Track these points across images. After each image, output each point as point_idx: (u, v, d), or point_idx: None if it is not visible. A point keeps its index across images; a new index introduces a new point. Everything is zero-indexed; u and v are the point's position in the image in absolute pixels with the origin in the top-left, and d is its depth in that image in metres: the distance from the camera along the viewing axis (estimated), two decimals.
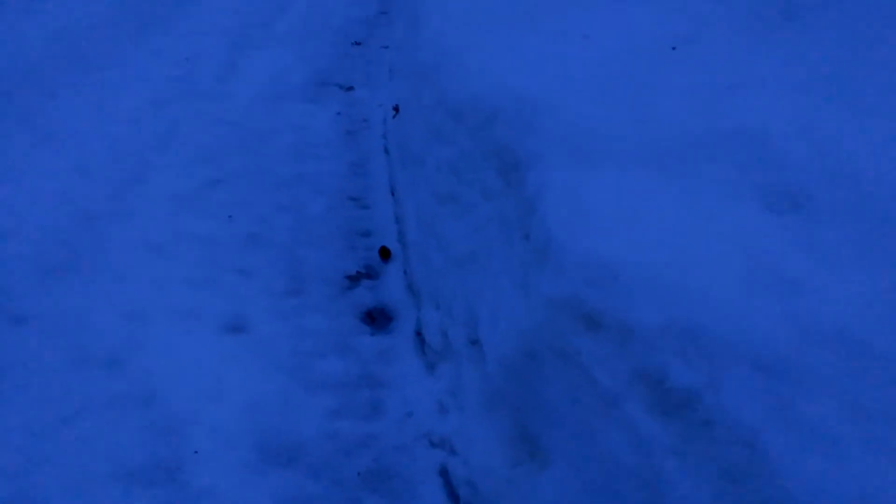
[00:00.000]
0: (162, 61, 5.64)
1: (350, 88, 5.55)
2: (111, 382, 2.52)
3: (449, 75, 3.05)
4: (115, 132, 4.37)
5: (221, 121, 4.70)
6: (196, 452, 2.28)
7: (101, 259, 3.18)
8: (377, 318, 3.02)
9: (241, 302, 3.01)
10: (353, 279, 3.25)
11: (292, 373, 2.66)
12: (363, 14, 7.56)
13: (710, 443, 1.43)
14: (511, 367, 2.04)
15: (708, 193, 1.80)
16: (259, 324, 2.90)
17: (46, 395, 2.44)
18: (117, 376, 2.55)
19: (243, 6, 7.34)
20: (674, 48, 2.49)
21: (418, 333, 2.87)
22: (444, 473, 2.27)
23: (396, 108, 3.77)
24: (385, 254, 3.41)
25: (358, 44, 6.49)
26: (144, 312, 2.88)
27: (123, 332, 2.77)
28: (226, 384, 2.57)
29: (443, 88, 3.06)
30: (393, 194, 3.89)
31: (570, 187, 2.02)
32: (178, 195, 3.78)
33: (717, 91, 2.12)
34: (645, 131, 2.07)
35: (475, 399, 2.28)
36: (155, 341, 2.74)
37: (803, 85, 2.00)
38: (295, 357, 2.74)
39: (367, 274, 3.30)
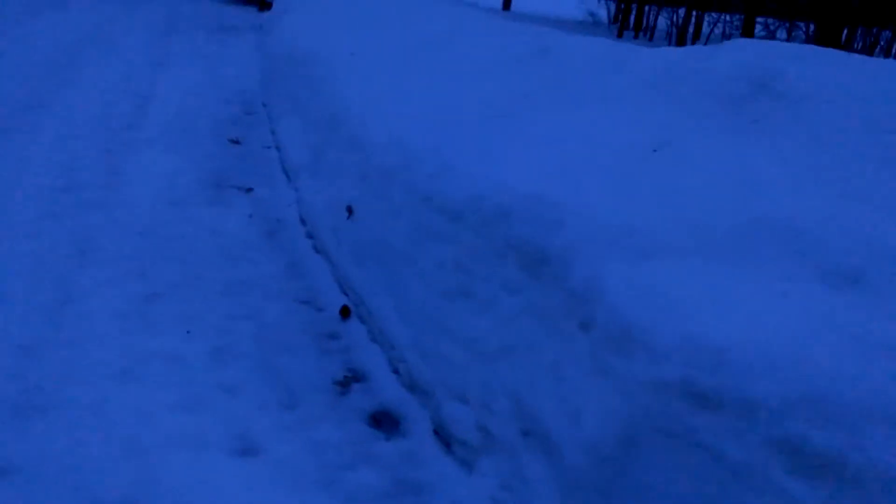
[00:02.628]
0: (36, 171, 5.20)
1: (249, 190, 5.44)
2: None
3: (429, 176, 3.18)
4: (19, 250, 3.95)
5: (131, 231, 4.41)
6: None
7: (66, 393, 2.85)
8: (383, 422, 2.98)
9: (241, 422, 2.84)
10: (343, 384, 3.19)
11: (328, 489, 2.55)
12: (230, 114, 7.46)
13: (863, 497, 1.64)
14: (601, 453, 2.15)
15: (766, 277, 2.08)
16: (270, 442, 2.74)
17: None
18: None
19: (94, 109, 6.96)
20: (655, 150, 2.82)
21: (436, 432, 2.87)
22: None
23: (350, 210, 3.80)
24: (345, 312, 3.70)
25: (241, 143, 6.40)
26: (143, 445, 2.63)
27: (129, 469, 2.50)
28: None
29: (423, 189, 3.18)
30: (346, 294, 3.87)
31: (633, 278, 2.22)
32: (119, 313, 3.49)
33: (726, 188, 2.45)
34: (682, 225, 2.33)
35: (549, 490, 2.34)
36: (168, 476, 2.50)
37: (799, 182, 2.38)
38: (324, 472, 2.62)
39: (355, 377, 3.25)
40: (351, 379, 3.23)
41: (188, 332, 3.40)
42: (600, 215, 2.49)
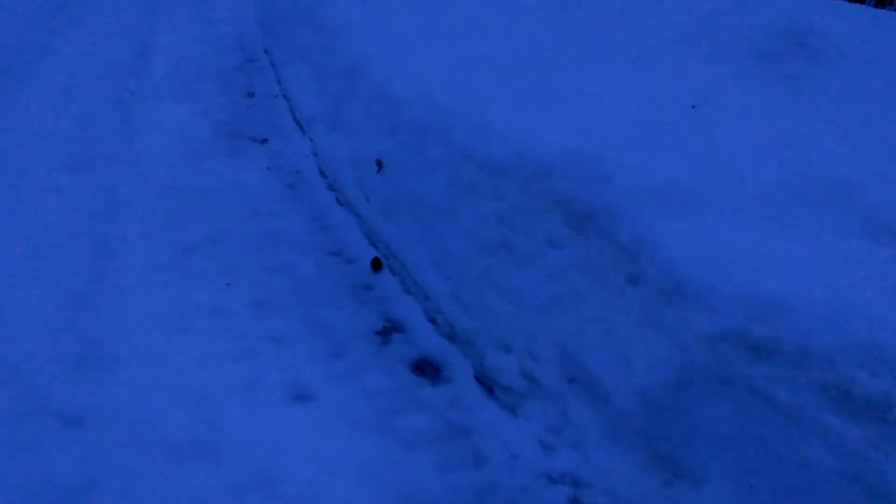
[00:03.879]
0: (48, 122, 5.17)
1: (265, 141, 5.45)
2: (217, 472, 2.40)
3: (466, 133, 3.25)
4: (47, 205, 3.98)
5: (156, 184, 4.45)
6: None
7: (123, 345, 2.94)
8: (426, 369, 3.11)
9: (293, 370, 2.95)
10: (384, 334, 3.31)
11: (383, 433, 2.69)
12: (233, 62, 7.37)
13: None
14: (650, 397, 2.30)
15: (815, 231, 2.20)
16: (324, 389, 2.87)
17: (158, 497, 2.27)
18: (219, 464, 2.43)
19: (95, 55, 6.86)
20: (693, 106, 2.91)
21: (478, 379, 3.01)
22: None
23: (380, 164, 3.86)
24: (377, 265, 3.76)
25: (251, 94, 6.37)
26: (206, 393, 2.74)
27: (197, 416, 2.62)
28: (328, 455, 2.55)
29: (462, 146, 3.24)
30: (376, 247, 3.96)
31: (683, 233, 2.33)
32: (157, 267, 3.56)
33: (770, 145, 2.55)
34: (727, 181, 2.44)
35: (595, 431, 2.49)
36: (234, 421, 2.63)
37: (841, 139, 2.48)
38: (378, 417, 2.76)
39: (394, 327, 3.36)
40: (390, 329, 3.35)
41: (228, 284, 3.49)
42: (646, 171, 2.58)
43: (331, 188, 4.69)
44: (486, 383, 2.97)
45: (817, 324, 1.95)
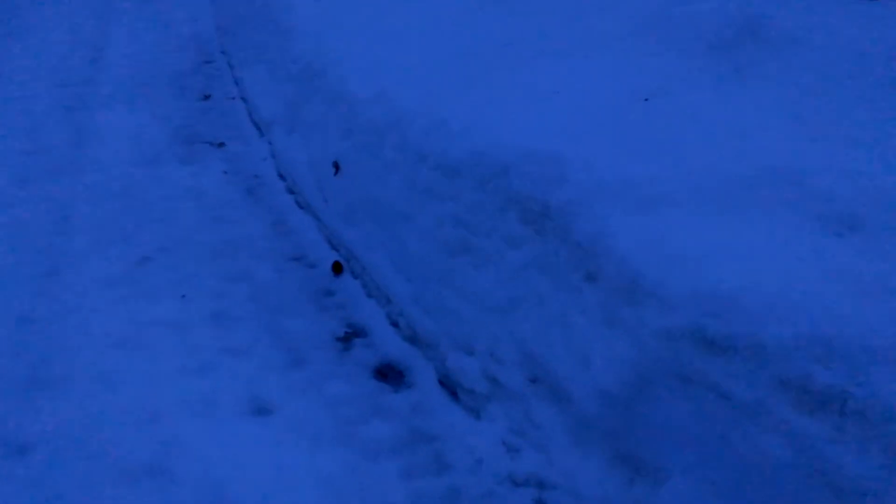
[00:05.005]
0: None
1: (221, 144, 5.36)
2: (172, 491, 2.33)
3: (423, 133, 3.20)
4: None
5: (108, 194, 4.34)
6: None
7: (73, 365, 2.86)
8: (389, 375, 3.06)
9: (251, 383, 2.89)
10: (345, 340, 3.25)
11: (345, 444, 2.64)
12: (188, 64, 7.25)
13: (865, 429, 1.79)
14: (611, 397, 2.27)
15: (768, 225, 2.18)
16: (283, 401, 2.81)
17: None
18: (175, 485, 2.36)
19: (46, 63, 6.70)
20: (646, 100, 2.89)
21: (441, 382, 2.97)
22: None
23: (336, 166, 3.80)
24: (338, 268, 3.69)
25: (207, 97, 6.25)
26: (158, 411, 2.67)
27: (151, 436, 2.55)
28: (288, 470, 2.49)
29: (418, 146, 3.19)
30: (337, 250, 3.90)
31: (638, 230, 2.30)
32: (110, 281, 3.47)
33: (722, 137, 2.54)
34: (682, 176, 2.41)
35: (559, 432, 2.47)
36: (188, 439, 2.56)
37: (792, 129, 2.47)
38: (339, 427, 2.71)
39: (355, 332, 3.31)
40: (352, 334, 3.29)
41: (183, 296, 3.40)
42: (601, 169, 2.56)
43: (290, 191, 4.62)
44: (450, 386, 2.93)
45: (772, 318, 1.93)
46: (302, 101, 4.62)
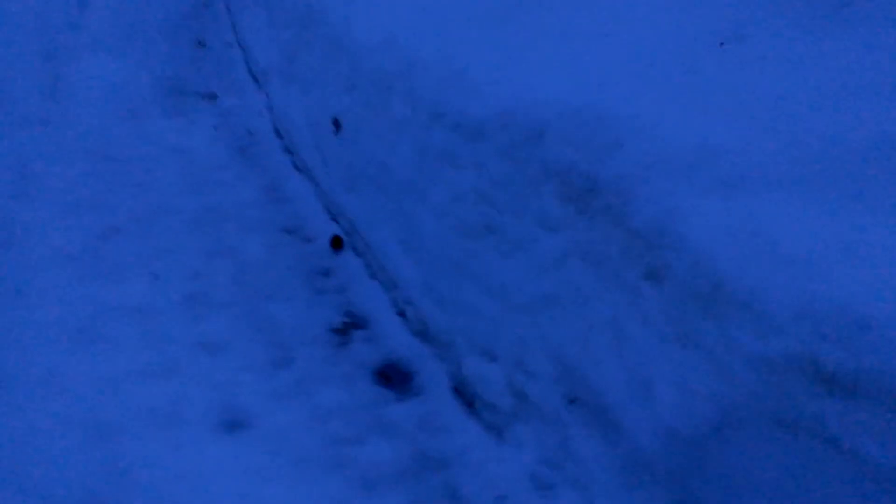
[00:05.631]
0: None
1: (213, 96, 4.80)
2: None
3: (437, 87, 2.62)
4: None
5: (81, 151, 3.81)
6: None
7: (11, 363, 2.36)
8: (393, 378, 2.55)
9: (226, 387, 2.39)
10: (342, 332, 2.74)
11: (335, 469, 2.14)
12: (183, 7, 6.63)
13: None
14: (681, 437, 1.74)
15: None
16: (262, 412, 2.31)
17: None
18: None
19: (22, 2, 6.09)
20: (722, 44, 2.29)
21: (456, 390, 2.45)
22: None
23: (337, 124, 3.24)
24: (337, 244, 3.18)
25: (202, 44, 5.65)
26: (111, 424, 2.17)
27: (92, 458, 2.05)
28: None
29: (432, 103, 2.62)
30: (337, 221, 3.36)
31: (722, 217, 1.74)
32: (70, 256, 2.97)
33: (826, 96, 1.95)
34: (778, 145, 1.84)
35: (605, 470, 1.95)
36: (143, 464, 2.06)
37: None
38: (328, 448, 2.21)
39: (354, 323, 2.79)
40: (350, 325, 2.78)
41: (155, 276, 2.89)
42: (667, 133, 1.99)
43: (287, 150, 4.06)
44: (466, 396, 2.42)
45: None
46: (301, 48, 4.03)
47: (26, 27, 5.52)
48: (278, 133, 4.25)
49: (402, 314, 2.80)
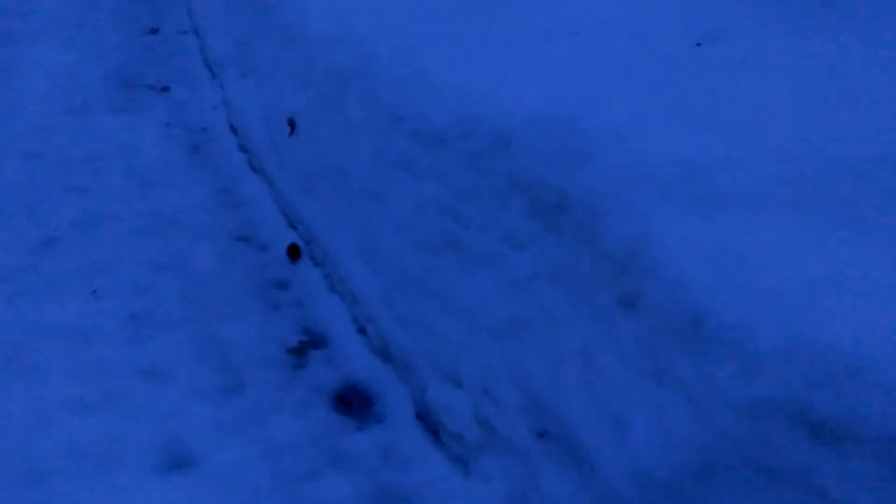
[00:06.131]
0: None
1: (166, 89, 4.55)
2: None
3: (400, 86, 2.44)
4: None
5: (16, 152, 3.56)
6: None
7: None
8: (353, 403, 2.38)
9: (171, 420, 2.21)
10: (298, 352, 2.56)
11: None
12: None
13: None
14: (657, 482, 1.61)
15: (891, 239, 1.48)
16: (210, 448, 2.13)
17: None
18: None
19: None
20: (698, 44, 2.14)
21: (419, 417, 2.30)
22: None
23: (292, 124, 3.04)
24: (294, 253, 2.99)
25: (155, 31, 5.37)
26: (40, 467, 1.99)
27: None
28: None
29: (391, 104, 2.44)
30: (295, 227, 3.17)
31: (702, 240, 1.60)
32: (2, 270, 2.74)
33: (812, 103, 1.81)
34: (765, 159, 1.70)
35: None
36: None
37: None
38: (281, 486, 2.04)
39: (311, 342, 2.62)
40: (308, 344, 2.60)
41: (94, 291, 2.69)
42: (641, 145, 1.83)
43: (243, 149, 3.85)
44: (431, 424, 2.26)
45: None
46: (256, 37, 3.81)
47: None
48: (234, 129, 4.03)
49: (362, 331, 2.63)
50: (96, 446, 2.08)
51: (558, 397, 1.87)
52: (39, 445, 2.06)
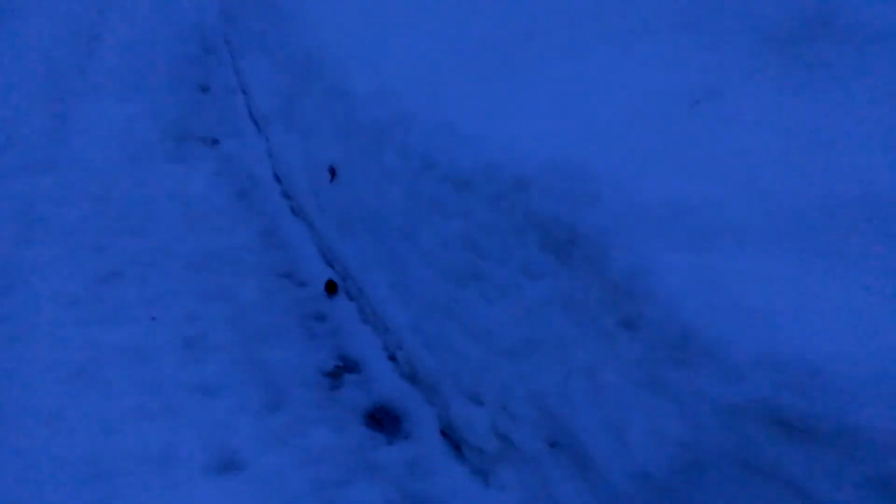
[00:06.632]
0: None
1: (215, 141, 4.93)
2: None
3: (430, 137, 2.74)
4: None
5: (82, 195, 3.92)
6: None
7: (12, 402, 2.44)
8: (384, 420, 2.62)
9: (220, 429, 2.46)
10: (334, 376, 2.81)
11: None
12: (186, 52, 6.81)
13: None
14: (653, 481, 1.81)
15: (874, 273, 1.70)
16: (255, 455, 2.37)
17: None
18: None
19: (36, 48, 6.28)
20: (697, 102, 2.41)
21: (444, 433, 2.52)
22: None
23: (332, 172, 3.35)
24: (332, 288, 3.27)
25: (206, 89, 5.81)
26: (104, 465, 2.24)
27: (90, 498, 2.12)
28: None
29: (422, 152, 2.74)
30: (332, 266, 3.46)
31: (693, 269, 1.83)
32: (71, 299, 3.05)
33: (796, 153, 2.05)
34: (749, 200, 1.94)
35: None
36: (138, 503, 2.13)
37: (884, 144, 1.99)
38: (319, 491, 2.27)
39: (346, 367, 2.87)
40: (343, 369, 2.85)
41: (153, 318, 2.98)
42: (642, 187, 2.09)
43: (286, 195, 4.18)
44: (453, 439, 2.48)
45: (870, 399, 1.46)
46: (300, 94, 4.17)
47: (36, 71, 5.70)
48: (278, 178, 4.37)
49: (392, 358, 2.88)
50: (155, 450, 2.33)
51: (567, 410, 2.08)
52: (105, 449, 2.32)
